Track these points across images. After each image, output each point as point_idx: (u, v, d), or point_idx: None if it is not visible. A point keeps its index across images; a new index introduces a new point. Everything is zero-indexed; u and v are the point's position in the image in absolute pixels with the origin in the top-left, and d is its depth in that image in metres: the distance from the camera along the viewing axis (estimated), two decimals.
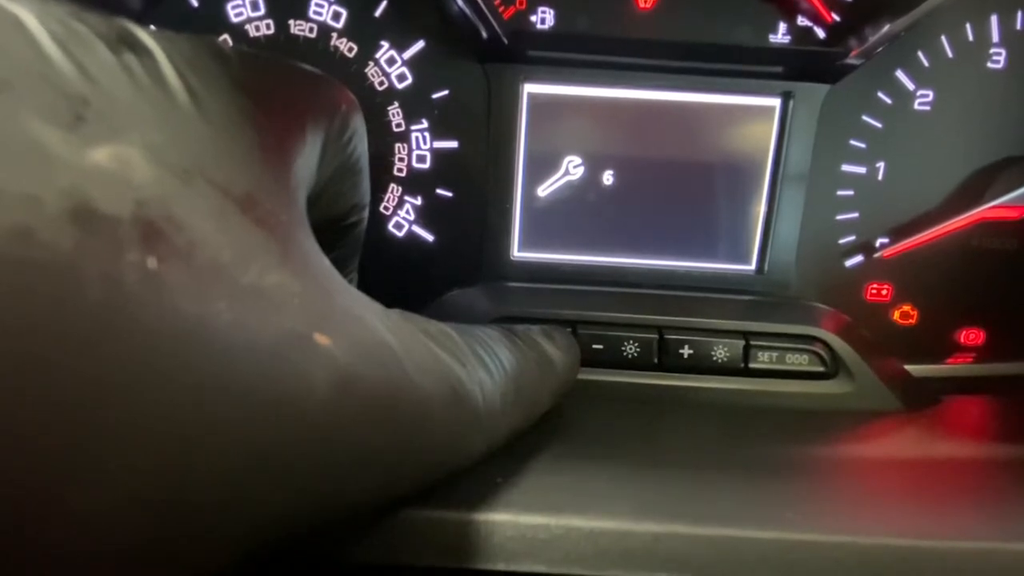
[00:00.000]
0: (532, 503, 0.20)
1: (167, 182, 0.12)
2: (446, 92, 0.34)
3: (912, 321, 0.37)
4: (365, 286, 0.19)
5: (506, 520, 0.20)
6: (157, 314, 0.11)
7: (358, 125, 0.21)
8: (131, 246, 0.11)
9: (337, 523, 0.17)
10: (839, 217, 0.36)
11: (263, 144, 0.15)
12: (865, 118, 0.34)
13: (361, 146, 0.21)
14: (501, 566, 0.20)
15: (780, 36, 0.34)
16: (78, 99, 0.11)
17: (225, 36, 0.33)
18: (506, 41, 0.32)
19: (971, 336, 0.37)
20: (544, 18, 0.34)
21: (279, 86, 0.17)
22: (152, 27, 0.14)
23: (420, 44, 0.34)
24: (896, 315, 0.37)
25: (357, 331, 0.15)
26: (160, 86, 0.13)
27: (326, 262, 0.16)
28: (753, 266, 0.36)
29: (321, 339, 0.14)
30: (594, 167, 0.35)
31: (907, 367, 0.35)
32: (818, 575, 0.20)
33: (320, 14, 0.33)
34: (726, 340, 0.31)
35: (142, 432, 0.11)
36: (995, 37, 0.33)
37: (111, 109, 0.12)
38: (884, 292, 0.37)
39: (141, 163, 0.12)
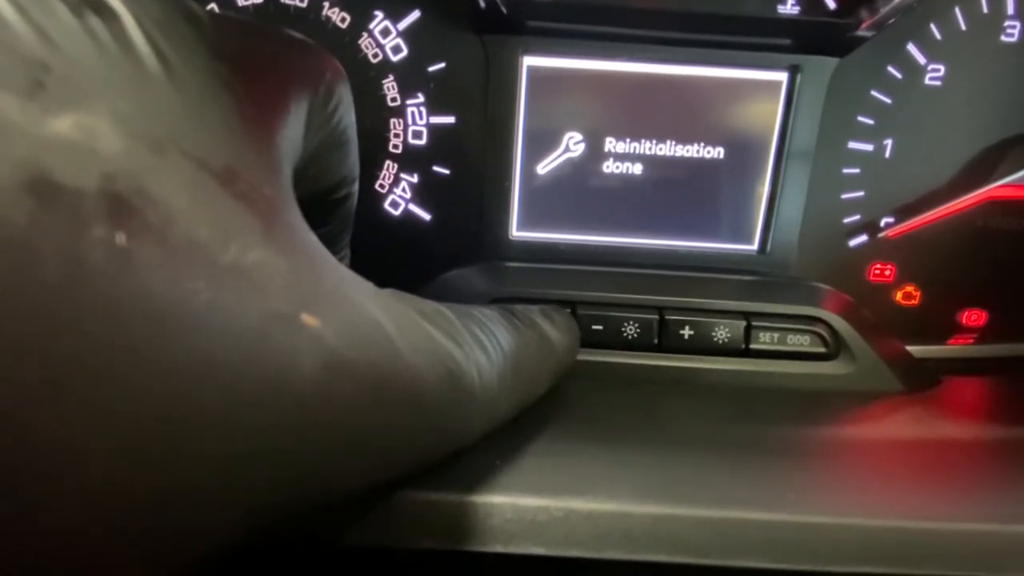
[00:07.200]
0: (531, 485, 0.20)
1: (137, 154, 0.11)
2: (443, 65, 0.33)
3: (915, 302, 0.36)
4: (360, 266, 0.19)
5: (505, 502, 0.20)
6: (127, 294, 0.10)
7: (344, 93, 0.20)
8: (96, 221, 0.10)
9: (332, 506, 0.16)
10: (844, 196, 0.35)
11: (243, 113, 0.14)
12: (874, 93, 0.34)
13: (348, 116, 0.21)
14: (499, 548, 0.20)
15: (789, 7, 0.33)
16: (37, 65, 0.11)
17: (212, 5, 0.32)
18: (505, 11, 0.31)
19: (973, 317, 0.37)
20: None
21: (258, 51, 0.17)
22: None
23: (416, 14, 0.32)
24: (899, 296, 0.36)
25: (347, 311, 0.15)
26: (128, 51, 0.12)
27: (314, 239, 0.15)
28: (755, 246, 0.35)
29: (308, 320, 0.13)
30: (595, 144, 0.34)
31: (909, 348, 0.35)
32: (819, 556, 0.20)
33: None
34: (727, 321, 0.31)
35: (118, 416, 0.11)
36: (1010, 9, 0.32)
37: (74, 75, 0.11)
38: (887, 272, 0.36)
39: (108, 133, 0.11)
